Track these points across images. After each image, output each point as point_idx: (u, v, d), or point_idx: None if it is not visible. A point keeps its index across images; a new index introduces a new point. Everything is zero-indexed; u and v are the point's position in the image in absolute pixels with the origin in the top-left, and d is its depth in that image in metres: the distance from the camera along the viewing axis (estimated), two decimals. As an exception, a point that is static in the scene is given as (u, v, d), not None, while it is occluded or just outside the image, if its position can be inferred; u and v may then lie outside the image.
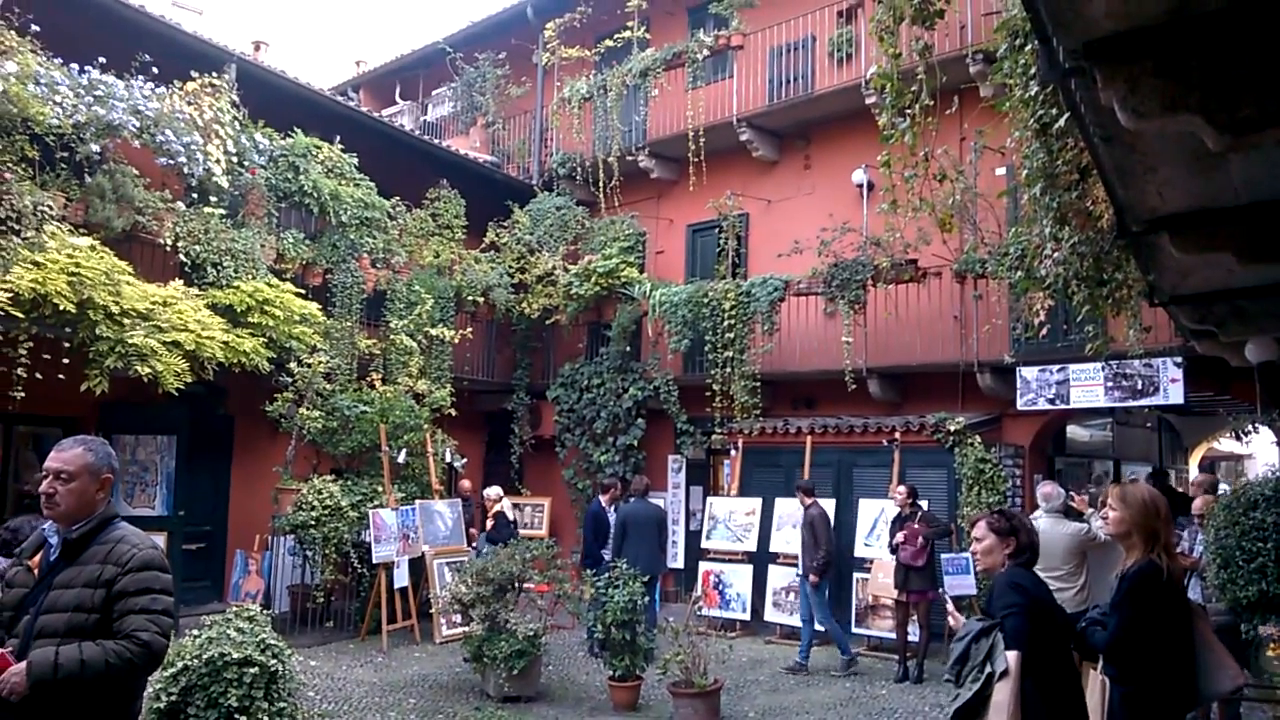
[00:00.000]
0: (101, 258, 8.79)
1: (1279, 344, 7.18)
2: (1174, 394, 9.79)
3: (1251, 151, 3.33)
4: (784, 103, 13.20)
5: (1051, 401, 10.51)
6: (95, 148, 9.27)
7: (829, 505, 11.07)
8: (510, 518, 11.60)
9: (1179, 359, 9.54)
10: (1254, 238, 4.39)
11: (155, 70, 9.90)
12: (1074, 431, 13.21)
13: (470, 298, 13.88)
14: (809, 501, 10.02)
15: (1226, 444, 19.49)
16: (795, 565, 10.73)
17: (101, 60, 9.53)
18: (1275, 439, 11.87)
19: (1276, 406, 7.93)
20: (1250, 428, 12.49)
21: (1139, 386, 9.99)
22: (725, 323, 12.72)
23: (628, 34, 14.23)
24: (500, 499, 11.51)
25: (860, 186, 12.55)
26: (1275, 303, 6.01)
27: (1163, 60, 2.57)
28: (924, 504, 9.84)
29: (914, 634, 9.54)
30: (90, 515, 3.12)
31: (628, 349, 14.09)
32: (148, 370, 8.75)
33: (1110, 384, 10.13)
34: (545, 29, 15.12)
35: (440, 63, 17.08)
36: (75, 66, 9.33)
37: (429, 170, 14.26)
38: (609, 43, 14.60)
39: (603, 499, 10.92)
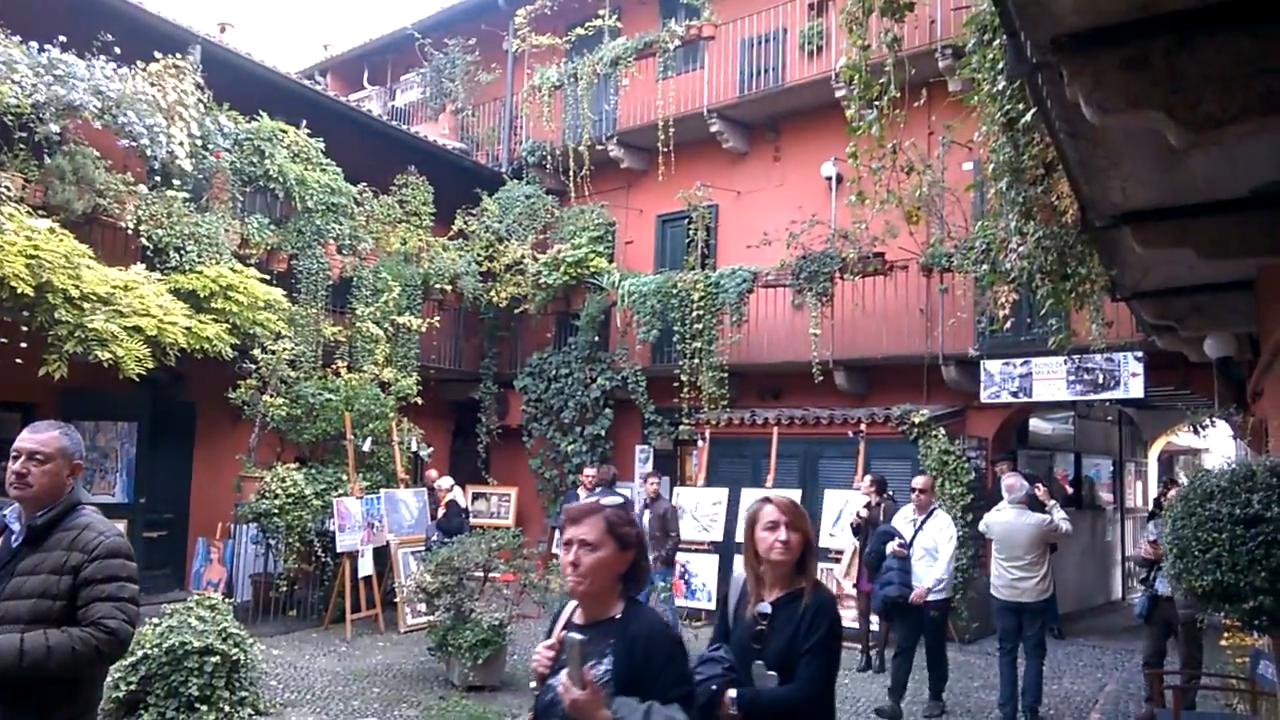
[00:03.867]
0: (61, 240, 8.63)
1: (1237, 339, 7.31)
2: (1134, 388, 9.94)
3: (1213, 148, 3.37)
4: (755, 94, 13.22)
5: (1015, 395, 10.63)
6: (55, 128, 9.09)
7: (794, 495, 11.13)
8: (463, 506, 11.58)
9: (1139, 354, 9.69)
10: (1215, 234, 4.46)
11: (117, 50, 9.71)
12: (1036, 425, 13.38)
13: (438, 286, 13.79)
14: (655, 493, 10.25)
15: (1185, 438, 19.81)
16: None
17: (62, 39, 9.34)
18: (1232, 433, 12.08)
19: (1234, 401, 8.06)
20: (1208, 422, 12.68)
21: (1100, 380, 10.13)
22: (694, 314, 12.75)
23: (599, 22, 14.18)
24: (452, 488, 11.52)
25: (829, 179, 12.60)
26: (1234, 298, 6.11)
27: (1127, 56, 2.59)
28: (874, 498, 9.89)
29: (875, 623, 9.64)
30: (58, 500, 3.07)
31: (596, 339, 14.08)
32: (108, 355, 8.61)
33: (1072, 378, 10.27)
34: (516, 15, 15.06)
35: (409, 48, 16.92)
36: (34, 45, 9.13)
37: (397, 156, 14.14)
38: (580, 31, 14.54)
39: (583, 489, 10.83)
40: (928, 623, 7.63)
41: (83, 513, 3.12)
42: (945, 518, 7.86)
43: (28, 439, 3.08)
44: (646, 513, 9.96)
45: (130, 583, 3.06)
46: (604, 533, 2.50)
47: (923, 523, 7.74)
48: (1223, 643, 8.73)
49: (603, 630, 2.50)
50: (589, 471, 11.22)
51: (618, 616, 2.52)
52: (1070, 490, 14.05)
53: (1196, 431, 15.03)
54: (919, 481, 8.00)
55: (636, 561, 2.59)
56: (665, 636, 2.49)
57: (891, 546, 7.65)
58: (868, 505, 9.61)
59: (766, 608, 3.06)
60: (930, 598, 7.52)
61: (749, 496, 11.72)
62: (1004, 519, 7.58)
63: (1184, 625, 7.09)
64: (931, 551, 7.58)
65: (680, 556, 11.85)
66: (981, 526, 8.05)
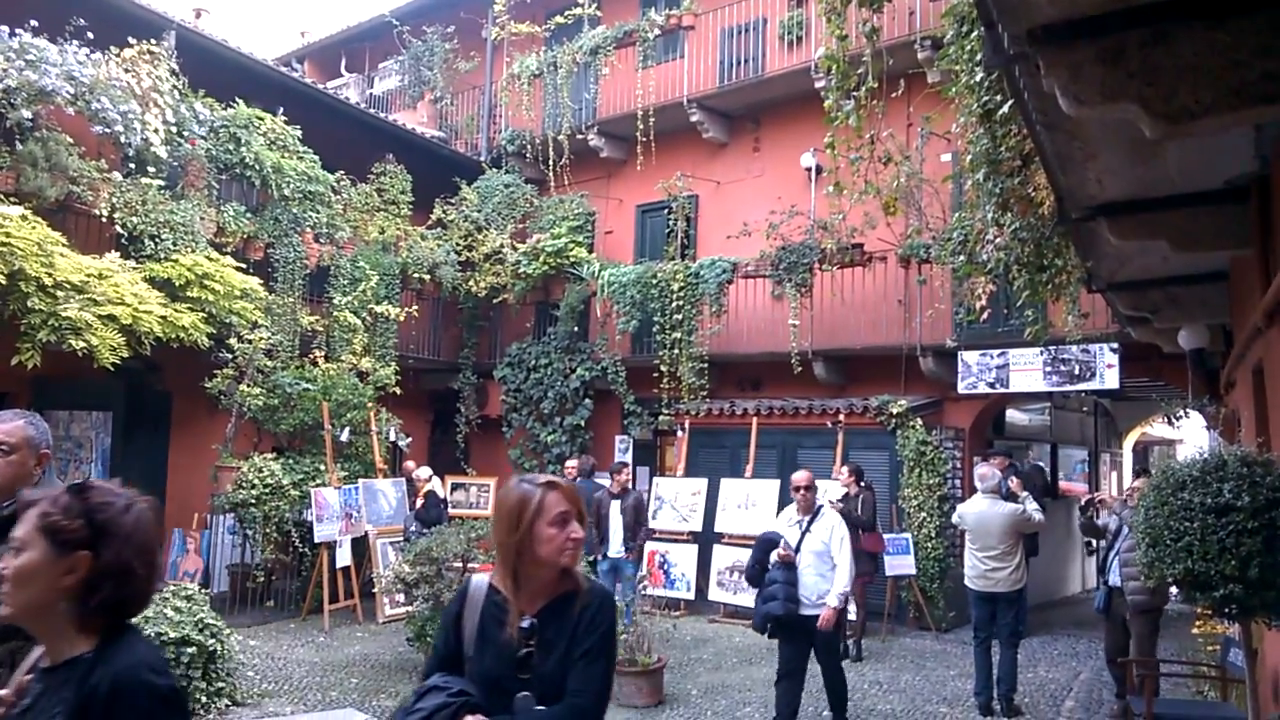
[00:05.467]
0: (34, 228, 8.52)
1: (1211, 331, 7.39)
2: (1110, 379, 10.04)
3: (1187, 141, 3.40)
4: (734, 84, 13.21)
5: (991, 385, 10.71)
6: (27, 114, 8.97)
7: (773, 486, 11.21)
8: (441, 496, 11.55)
9: (1115, 345, 9.78)
10: (1189, 226, 4.50)
11: (90, 35, 9.59)
12: (1013, 415, 13.48)
13: (416, 275, 13.72)
14: (619, 489, 10.11)
15: (1159, 429, 20.01)
16: (745, 546, 10.90)
17: (33, 23, 9.21)
18: (1205, 423, 12.20)
19: (1207, 392, 8.15)
20: (1182, 413, 12.82)
21: (1076, 372, 10.22)
22: (674, 304, 12.75)
23: (579, 11, 14.11)
24: (430, 478, 11.49)
25: (809, 170, 12.62)
26: (1208, 290, 6.19)
27: (1103, 49, 2.61)
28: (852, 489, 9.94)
29: (852, 613, 9.70)
30: (24, 490, 3.03)
31: (576, 329, 14.06)
32: (82, 344, 8.53)
33: (1049, 369, 10.35)
34: (495, 3, 14.97)
35: (387, 35, 16.80)
36: (5, 29, 9.00)
37: (375, 145, 14.04)
38: (560, 19, 14.48)
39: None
40: (817, 638, 6.42)
41: None
42: (834, 517, 6.67)
43: None
44: (615, 504, 9.93)
45: None
46: (35, 530, 1.79)
47: (809, 525, 6.53)
48: (1194, 630, 8.84)
49: (62, 676, 1.80)
50: (571, 464, 11.15)
51: (86, 655, 1.79)
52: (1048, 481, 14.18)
53: (1171, 422, 15.21)
54: (799, 477, 6.71)
55: (105, 573, 1.79)
56: (140, 689, 1.76)
57: (776, 553, 6.42)
58: (844, 496, 9.65)
59: (532, 622, 2.39)
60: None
61: (728, 487, 11.78)
62: (976, 509, 7.63)
63: (1139, 614, 7.14)
64: (821, 556, 6.42)
65: (659, 546, 11.89)
66: (955, 518, 8.10)
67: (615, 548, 9.76)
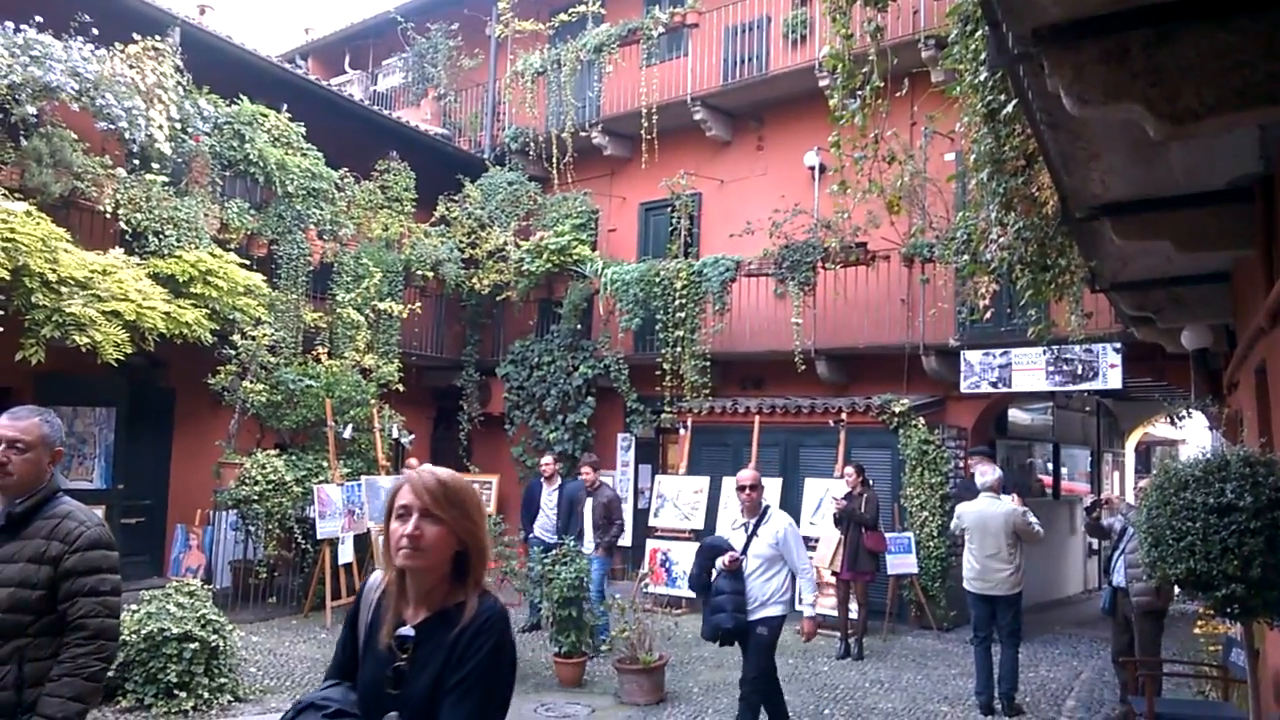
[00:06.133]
0: (38, 224, 8.53)
1: (1214, 331, 7.38)
2: (1113, 379, 10.03)
3: (1191, 141, 3.40)
4: (738, 83, 13.21)
5: (994, 385, 10.70)
6: (31, 110, 8.99)
7: (776, 484, 11.22)
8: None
9: (1118, 345, 9.77)
10: (1192, 226, 4.50)
11: (95, 31, 9.60)
12: (1015, 415, 13.47)
13: (419, 272, 13.73)
14: (595, 483, 10.02)
15: (1162, 429, 20.00)
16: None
17: (38, 19, 9.21)
18: (1208, 424, 12.20)
19: (1210, 392, 8.14)
20: (1184, 413, 12.82)
21: (1079, 371, 10.21)
22: (676, 302, 12.75)
23: (583, 8, 14.10)
24: None
25: (812, 169, 12.61)
26: (1211, 290, 6.18)
27: (1108, 49, 2.61)
28: (857, 486, 9.95)
29: (854, 612, 9.71)
30: (37, 487, 3.02)
31: (579, 327, 14.07)
32: (86, 340, 8.54)
33: (1051, 368, 10.35)
34: (499, 1, 14.94)
35: (391, 32, 16.80)
36: (10, 25, 9.01)
37: (378, 141, 14.05)
38: (564, 17, 14.48)
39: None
40: (753, 643, 5.96)
41: (62, 500, 3.08)
42: (784, 517, 6.20)
43: (8, 426, 3.02)
44: (589, 500, 9.92)
45: (111, 573, 3.03)
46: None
47: (755, 528, 6.06)
48: (1196, 631, 8.84)
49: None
50: (547, 459, 10.97)
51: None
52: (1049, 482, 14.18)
53: (1173, 422, 15.19)
54: (745, 476, 6.21)
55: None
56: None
57: (722, 561, 5.99)
58: (848, 495, 9.66)
59: (409, 631, 2.13)
60: (765, 614, 5.92)
61: (730, 485, 11.76)
62: (976, 508, 7.62)
63: (1142, 614, 7.14)
64: (769, 561, 5.96)
65: (661, 544, 11.90)
66: (953, 522, 8.00)
67: (587, 544, 9.73)
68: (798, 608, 6.24)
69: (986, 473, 7.79)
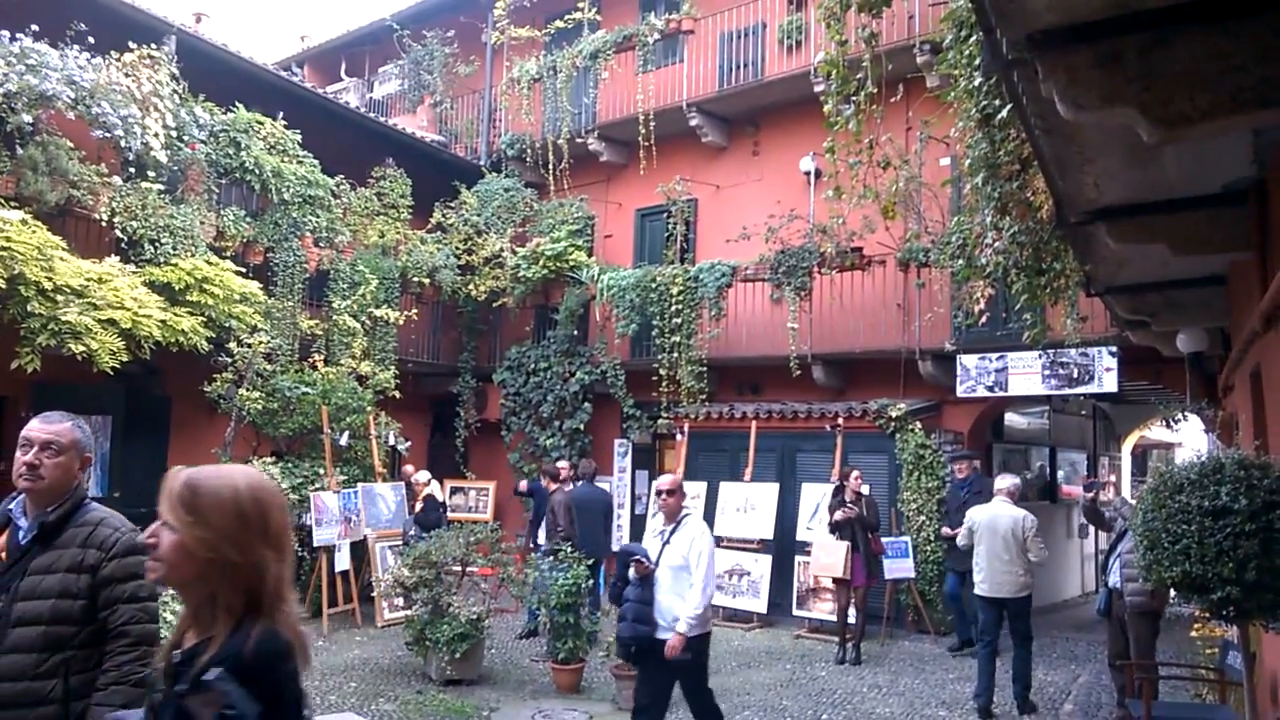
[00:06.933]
0: (34, 232, 8.52)
1: (1209, 334, 7.40)
2: (1108, 382, 10.04)
3: (1185, 145, 3.41)
4: (734, 89, 13.23)
5: (990, 389, 10.71)
6: (27, 118, 8.97)
7: (773, 489, 11.24)
8: (440, 500, 11.55)
9: (1113, 348, 9.79)
10: (1187, 230, 4.51)
11: (91, 40, 9.59)
12: (1011, 419, 13.48)
13: (416, 279, 13.71)
14: (554, 486, 10.28)
15: (1158, 432, 20.01)
16: (744, 549, 10.95)
17: (34, 28, 9.21)
18: (1204, 427, 12.22)
19: (1205, 395, 8.17)
20: (1180, 416, 12.84)
21: (1075, 375, 10.23)
22: (673, 308, 12.76)
23: (578, 15, 14.13)
24: (429, 482, 11.51)
25: (808, 174, 12.63)
26: (1206, 293, 6.20)
27: (1101, 53, 2.62)
28: (866, 489, 9.99)
29: (852, 617, 9.71)
30: (67, 493, 2.97)
31: (575, 333, 14.07)
32: (82, 349, 8.53)
33: (1047, 372, 10.36)
34: (495, 8, 14.98)
35: (387, 39, 16.82)
36: (5, 34, 9.01)
37: (374, 149, 14.04)
38: (559, 23, 14.51)
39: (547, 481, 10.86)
40: (678, 667, 5.51)
41: (91, 507, 3.03)
42: (698, 526, 5.79)
43: (41, 429, 2.96)
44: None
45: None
46: None
47: (670, 534, 5.71)
48: (1193, 634, 8.84)
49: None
50: (563, 464, 11.14)
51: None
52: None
53: (1169, 426, 15.20)
54: (664, 481, 5.88)
55: None
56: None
57: (633, 568, 5.69)
58: (855, 499, 9.69)
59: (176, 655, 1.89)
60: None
61: (727, 490, 11.79)
62: (990, 511, 7.67)
63: (1137, 616, 7.14)
64: (679, 572, 5.57)
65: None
66: (961, 533, 7.98)
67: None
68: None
69: (1005, 478, 7.84)
